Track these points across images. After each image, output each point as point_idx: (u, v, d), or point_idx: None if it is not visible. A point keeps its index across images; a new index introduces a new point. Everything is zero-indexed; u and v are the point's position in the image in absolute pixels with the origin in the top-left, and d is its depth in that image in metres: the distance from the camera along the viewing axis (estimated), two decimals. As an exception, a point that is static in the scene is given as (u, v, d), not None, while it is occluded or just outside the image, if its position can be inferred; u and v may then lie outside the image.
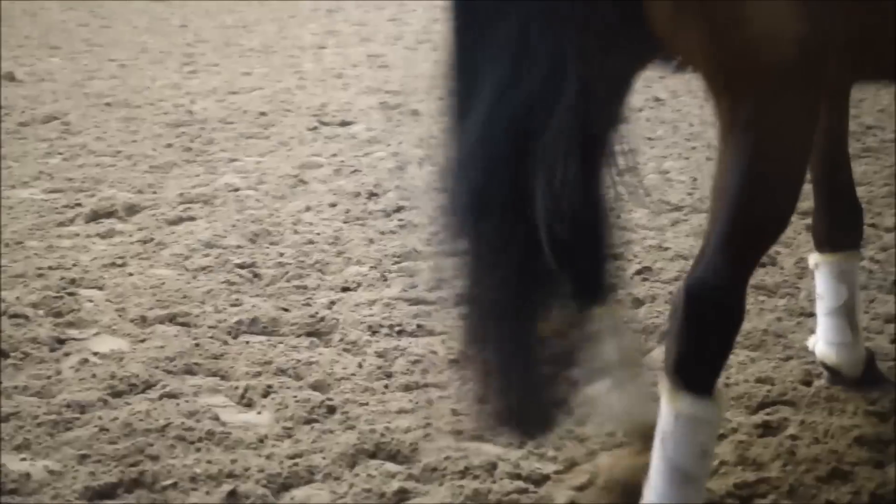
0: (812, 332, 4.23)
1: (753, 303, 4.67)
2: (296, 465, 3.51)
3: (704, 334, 2.96)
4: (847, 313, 3.95)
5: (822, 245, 3.99)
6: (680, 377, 2.94)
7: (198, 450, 3.62)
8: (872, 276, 4.92)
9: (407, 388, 4.03)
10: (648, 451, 3.00)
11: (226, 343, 4.41)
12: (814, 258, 4.02)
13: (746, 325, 4.41)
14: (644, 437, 3.13)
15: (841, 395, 3.98)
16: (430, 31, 11.65)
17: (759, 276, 4.94)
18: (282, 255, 5.23)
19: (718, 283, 2.97)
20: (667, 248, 5.27)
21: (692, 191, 6.12)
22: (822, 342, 4.01)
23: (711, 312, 2.95)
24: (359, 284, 4.92)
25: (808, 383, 4.04)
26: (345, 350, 4.34)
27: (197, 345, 4.36)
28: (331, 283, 4.93)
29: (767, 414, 3.85)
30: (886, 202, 5.98)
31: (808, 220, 5.54)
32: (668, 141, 7.13)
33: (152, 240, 5.43)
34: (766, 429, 3.76)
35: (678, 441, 2.93)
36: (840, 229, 3.99)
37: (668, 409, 2.94)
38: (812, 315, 4.48)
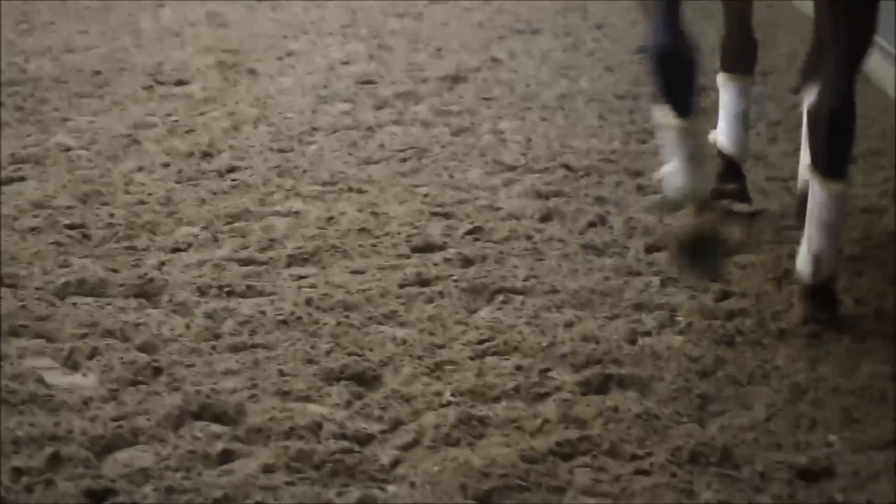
0: (638, 290, 4.37)
1: (582, 262, 4.73)
2: (120, 427, 3.49)
3: (841, 137, 4.27)
4: (742, 118, 5.39)
5: (729, 68, 5.39)
6: (830, 170, 4.26)
7: (20, 412, 3.58)
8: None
9: (234, 349, 4.02)
10: (703, 214, 4.38)
11: (53, 305, 4.35)
12: (721, 77, 5.44)
13: (573, 284, 4.50)
14: (700, 204, 4.41)
15: (665, 352, 4.06)
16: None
17: (589, 235, 5.01)
18: (112, 215, 5.17)
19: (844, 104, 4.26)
20: (499, 209, 5.31)
21: (526, 151, 6.16)
22: (721, 136, 5.40)
23: (844, 123, 4.26)
24: (189, 245, 4.88)
25: (633, 342, 4.11)
26: (173, 311, 4.31)
27: (23, 306, 4.30)
28: (161, 244, 4.89)
29: (592, 372, 3.90)
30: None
31: (640, 181, 5.70)
32: (504, 101, 7.16)
33: (-21, 200, 5.33)
34: (589, 387, 3.82)
35: (831, 209, 4.25)
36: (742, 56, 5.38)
37: (823, 191, 4.25)
38: (639, 274, 4.59)
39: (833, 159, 4.31)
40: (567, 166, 5.91)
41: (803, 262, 4.37)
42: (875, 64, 7.69)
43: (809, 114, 4.45)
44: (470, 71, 7.93)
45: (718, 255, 4.48)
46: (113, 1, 10.31)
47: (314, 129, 6.51)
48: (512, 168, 5.89)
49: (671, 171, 4.45)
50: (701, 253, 4.32)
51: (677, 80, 4.39)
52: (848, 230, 5.07)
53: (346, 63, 8.10)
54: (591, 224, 5.14)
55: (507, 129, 6.57)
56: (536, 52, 8.74)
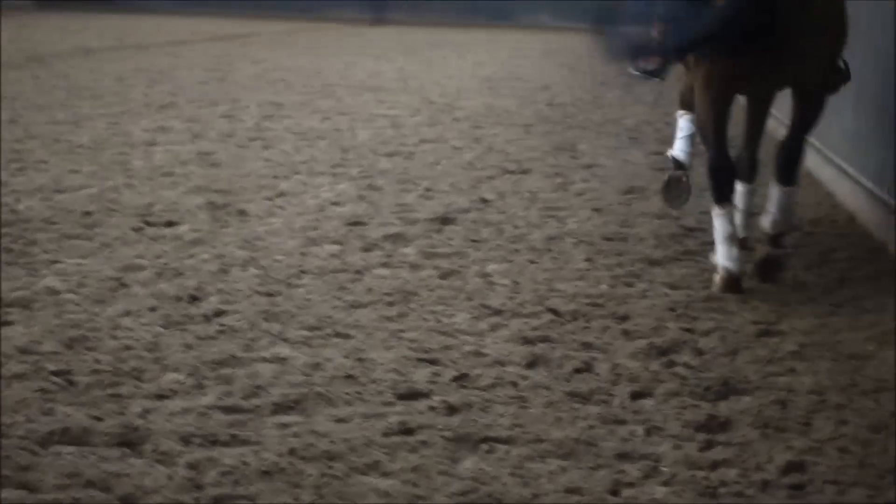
0: (623, 439, 4.37)
1: (567, 410, 4.72)
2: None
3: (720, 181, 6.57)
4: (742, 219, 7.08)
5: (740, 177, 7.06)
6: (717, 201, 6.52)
7: (-1, 569, 3.54)
8: (686, 382, 5.01)
9: (217, 501, 3.99)
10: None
11: (35, 454, 4.32)
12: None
13: (558, 433, 4.48)
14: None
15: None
16: (262, 129, 11.70)
17: (575, 382, 5.00)
18: (98, 361, 5.16)
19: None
20: (485, 354, 5.30)
21: (513, 295, 6.18)
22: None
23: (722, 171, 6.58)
24: (174, 392, 4.86)
25: (615, 493, 4.08)
26: (156, 461, 4.27)
27: (7, 456, 4.28)
28: (146, 391, 4.87)
29: (575, 525, 3.88)
30: (704, 306, 6.11)
31: (626, 326, 5.72)
32: (492, 243, 7.21)
33: (-34, 347, 5.32)
34: (573, 540, 3.79)
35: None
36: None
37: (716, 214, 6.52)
38: (624, 422, 4.58)
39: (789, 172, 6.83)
40: (554, 311, 5.92)
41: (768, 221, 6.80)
42: (871, 212, 7.75)
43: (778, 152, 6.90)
44: (459, 212, 7.99)
45: None
46: (105, 139, 10.42)
47: (303, 271, 6.54)
48: (499, 312, 5.91)
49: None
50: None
51: (726, 182, 6.64)
52: (833, 376, 5.09)
53: (336, 204, 8.17)
54: (577, 370, 5.13)
55: (494, 272, 6.60)
56: (525, 192, 8.83)
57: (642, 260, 6.96)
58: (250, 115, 12.81)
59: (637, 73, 7.64)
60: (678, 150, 7.72)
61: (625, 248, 7.20)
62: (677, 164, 7.67)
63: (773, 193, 6.82)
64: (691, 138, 7.62)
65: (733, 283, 6.40)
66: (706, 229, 7.61)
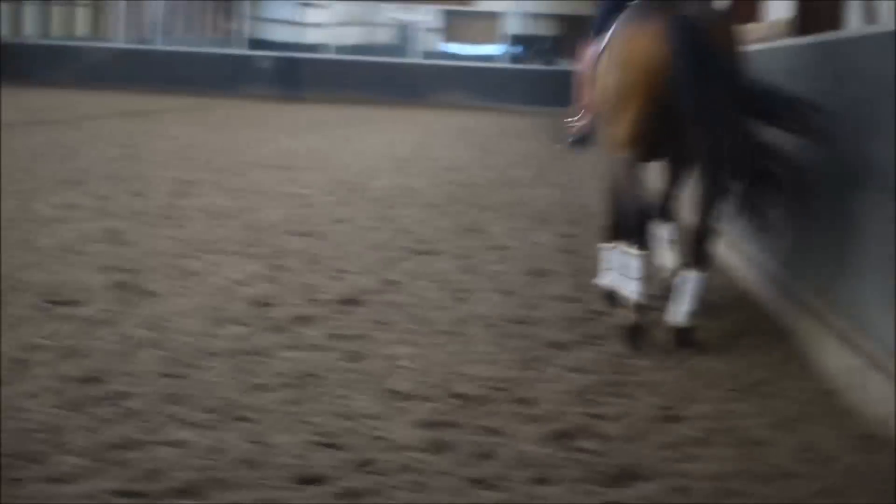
0: None
1: (469, 496, 4.70)
2: None
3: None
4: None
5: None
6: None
7: None
8: (588, 468, 5.02)
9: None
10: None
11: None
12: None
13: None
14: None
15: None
16: (173, 207, 11.66)
17: (477, 468, 4.99)
18: (-4, 444, 5.09)
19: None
20: (389, 439, 5.28)
21: (419, 378, 6.17)
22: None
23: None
24: (74, 476, 4.78)
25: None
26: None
27: None
28: (45, 475, 4.80)
29: None
30: (609, 391, 6.13)
31: (533, 411, 5.73)
32: (400, 326, 7.21)
33: None
34: None
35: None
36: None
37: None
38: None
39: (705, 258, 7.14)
40: (458, 394, 5.92)
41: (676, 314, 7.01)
42: (774, 298, 7.86)
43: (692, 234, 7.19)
44: (367, 293, 8.00)
45: None
46: (14, 217, 10.33)
47: (208, 353, 6.49)
48: (404, 396, 5.89)
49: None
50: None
51: (642, 226, 7.01)
52: (734, 462, 5.13)
53: (245, 284, 8.15)
54: (481, 456, 5.13)
55: (401, 356, 6.59)
56: (434, 274, 8.85)
57: (549, 344, 6.98)
58: (161, 193, 12.77)
59: (568, 143, 8.53)
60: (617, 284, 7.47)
61: (531, 332, 7.22)
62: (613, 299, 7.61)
63: (684, 282, 7.06)
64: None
65: (641, 314, 6.96)
66: (611, 312, 7.69)
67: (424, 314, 7.52)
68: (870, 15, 8.99)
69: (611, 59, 7.22)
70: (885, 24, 8.12)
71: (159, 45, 45.87)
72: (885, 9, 9.38)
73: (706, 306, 7.35)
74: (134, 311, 7.29)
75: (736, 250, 9.44)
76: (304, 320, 7.23)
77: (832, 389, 6.16)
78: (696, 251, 7.09)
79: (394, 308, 7.67)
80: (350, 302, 7.74)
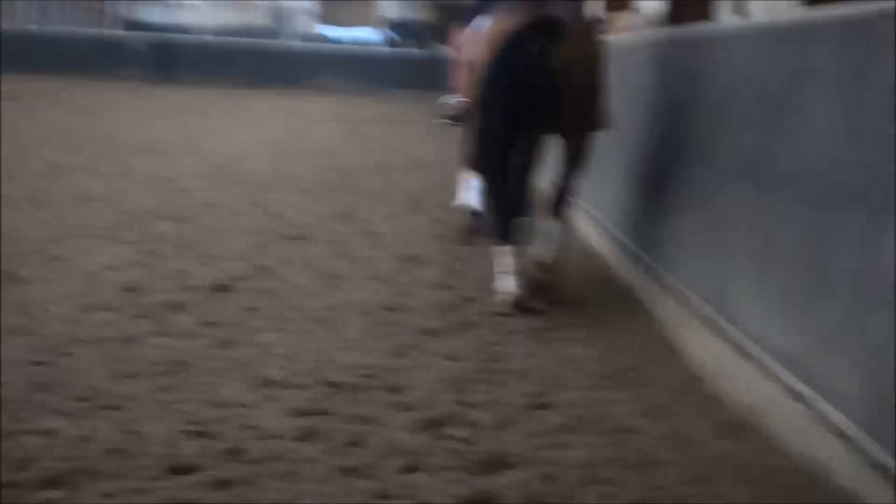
0: None
1: (337, 484, 4.70)
2: None
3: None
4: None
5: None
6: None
7: None
8: (456, 455, 5.03)
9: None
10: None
11: None
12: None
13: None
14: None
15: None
16: (40, 190, 11.48)
17: (346, 456, 4.98)
18: None
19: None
20: (258, 427, 5.25)
21: (288, 366, 6.14)
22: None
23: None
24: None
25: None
26: (-89, 539, 4.14)
27: None
28: None
29: None
30: (478, 378, 6.15)
31: (401, 398, 5.73)
32: (270, 312, 7.17)
33: None
34: None
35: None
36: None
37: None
38: (397, 497, 4.58)
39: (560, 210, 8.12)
40: (329, 382, 5.90)
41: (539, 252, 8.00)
42: (645, 286, 7.96)
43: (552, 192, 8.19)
44: (237, 279, 7.94)
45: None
46: None
47: (75, 339, 6.39)
48: (273, 383, 5.85)
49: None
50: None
51: (509, 215, 7.68)
52: (600, 450, 5.17)
53: (112, 269, 8.05)
54: (350, 444, 5.12)
55: (271, 342, 6.55)
56: (305, 259, 8.81)
57: (421, 331, 6.98)
58: (29, 176, 12.57)
59: (443, 119, 9.09)
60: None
61: (404, 319, 7.23)
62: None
63: (548, 228, 8.16)
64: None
65: (519, 300, 7.60)
66: (482, 299, 7.73)
67: (297, 301, 7.49)
68: (739, 10, 9.12)
69: (479, 47, 7.86)
70: (754, 18, 8.25)
71: (31, 27, 45.18)
72: (753, 6, 9.52)
73: (574, 285, 7.49)
74: (2, 298, 7.15)
75: (606, 233, 9.54)
76: (174, 307, 7.16)
77: (700, 376, 6.25)
78: (555, 207, 8.14)
79: (266, 294, 7.62)
80: (221, 288, 7.68)
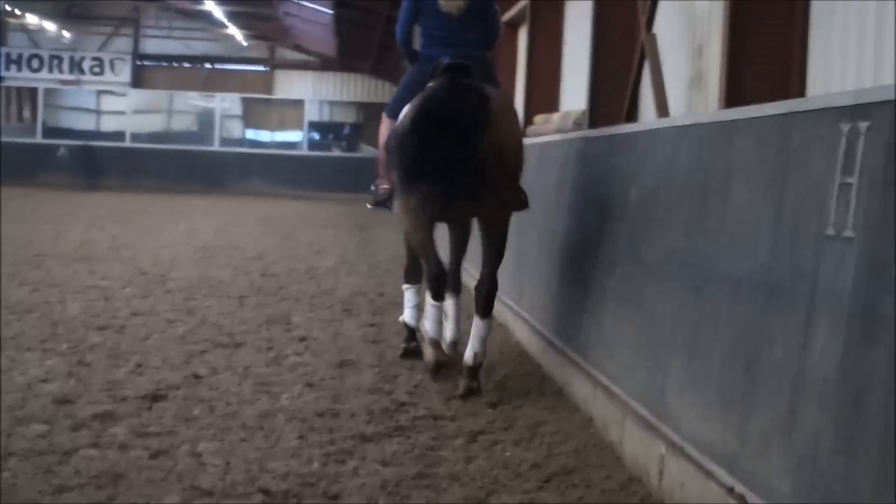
0: None
1: None
2: None
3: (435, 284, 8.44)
4: (454, 326, 8.96)
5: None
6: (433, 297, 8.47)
7: None
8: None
9: None
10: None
11: None
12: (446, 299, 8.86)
13: None
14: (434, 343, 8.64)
15: None
16: None
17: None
18: None
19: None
20: (196, 538, 5.23)
21: (224, 475, 6.10)
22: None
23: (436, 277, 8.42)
24: None
25: None
26: None
27: None
28: None
29: None
30: (415, 483, 6.15)
31: (338, 504, 5.72)
32: (204, 421, 7.13)
33: None
34: None
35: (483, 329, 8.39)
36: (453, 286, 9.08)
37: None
38: None
39: (486, 305, 8.40)
40: (265, 491, 5.87)
41: (469, 356, 8.30)
42: (578, 385, 8.01)
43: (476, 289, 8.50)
44: (171, 388, 7.91)
45: None
46: None
47: (9, 453, 6.32)
48: (209, 493, 5.81)
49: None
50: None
51: (440, 284, 8.44)
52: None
53: (45, 381, 8.00)
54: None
55: (206, 451, 6.51)
56: (238, 367, 8.80)
57: (355, 436, 6.97)
58: None
59: (371, 204, 9.58)
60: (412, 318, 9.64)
61: (337, 424, 7.22)
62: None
63: (474, 327, 8.40)
64: (455, 322, 9.03)
65: (439, 351, 8.53)
66: (417, 403, 7.75)
67: (229, 409, 7.46)
68: (661, 109, 9.27)
69: (399, 125, 8.26)
70: (676, 117, 8.40)
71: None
72: (674, 105, 9.69)
73: (507, 383, 7.51)
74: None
75: (535, 332, 9.59)
76: (106, 417, 7.11)
77: (638, 476, 6.28)
78: (482, 301, 8.43)
79: (198, 403, 7.59)
80: (153, 398, 7.64)
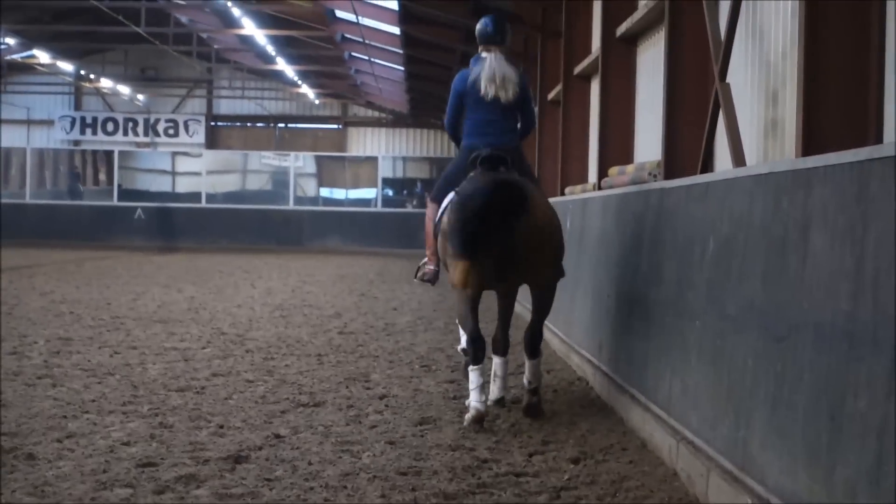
0: None
1: None
2: None
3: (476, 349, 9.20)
4: (501, 383, 9.98)
5: (497, 352, 10.06)
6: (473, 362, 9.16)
7: None
8: None
9: None
10: None
11: None
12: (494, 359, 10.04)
13: None
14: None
15: None
16: (51, 366, 11.51)
17: None
18: None
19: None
20: None
21: (309, 537, 6.11)
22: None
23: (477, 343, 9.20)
24: None
25: None
26: None
27: None
28: None
29: None
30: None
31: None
32: (286, 482, 7.12)
33: None
34: None
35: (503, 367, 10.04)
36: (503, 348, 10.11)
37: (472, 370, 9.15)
38: None
39: (533, 348, 9.58)
40: (350, 551, 5.86)
41: (526, 381, 9.54)
42: (660, 438, 7.95)
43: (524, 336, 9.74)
44: (252, 449, 7.93)
45: None
46: None
47: (93, 519, 6.36)
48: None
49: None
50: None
51: (480, 350, 9.15)
52: None
53: (127, 444, 8.04)
54: None
55: (290, 513, 6.52)
56: (319, 426, 8.80)
57: (437, 494, 6.95)
58: (38, 352, 12.62)
59: (417, 279, 10.63)
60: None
61: (420, 483, 7.20)
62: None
63: (526, 364, 9.58)
64: (503, 382, 10.04)
65: (480, 417, 8.87)
66: (499, 460, 7.72)
67: (311, 469, 7.46)
68: (737, 158, 9.23)
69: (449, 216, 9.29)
70: (752, 166, 8.36)
71: (29, 199, 45.61)
72: (750, 153, 9.65)
73: (588, 438, 7.43)
74: (13, 477, 7.13)
75: (622, 392, 9.55)
76: (189, 479, 7.14)
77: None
78: (530, 344, 9.57)
79: (280, 463, 7.60)
80: (235, 459, 7.66)
